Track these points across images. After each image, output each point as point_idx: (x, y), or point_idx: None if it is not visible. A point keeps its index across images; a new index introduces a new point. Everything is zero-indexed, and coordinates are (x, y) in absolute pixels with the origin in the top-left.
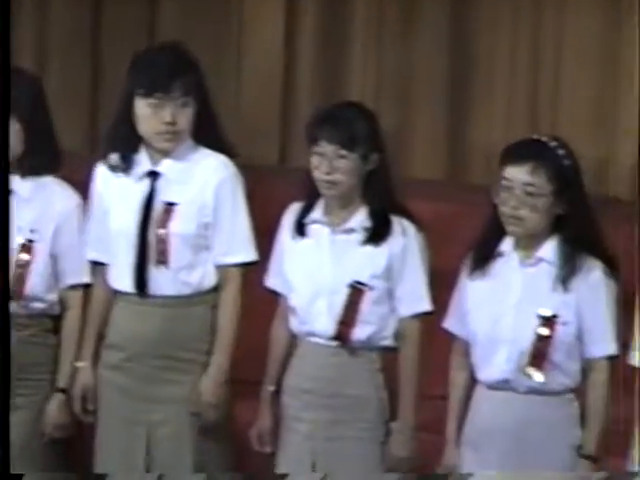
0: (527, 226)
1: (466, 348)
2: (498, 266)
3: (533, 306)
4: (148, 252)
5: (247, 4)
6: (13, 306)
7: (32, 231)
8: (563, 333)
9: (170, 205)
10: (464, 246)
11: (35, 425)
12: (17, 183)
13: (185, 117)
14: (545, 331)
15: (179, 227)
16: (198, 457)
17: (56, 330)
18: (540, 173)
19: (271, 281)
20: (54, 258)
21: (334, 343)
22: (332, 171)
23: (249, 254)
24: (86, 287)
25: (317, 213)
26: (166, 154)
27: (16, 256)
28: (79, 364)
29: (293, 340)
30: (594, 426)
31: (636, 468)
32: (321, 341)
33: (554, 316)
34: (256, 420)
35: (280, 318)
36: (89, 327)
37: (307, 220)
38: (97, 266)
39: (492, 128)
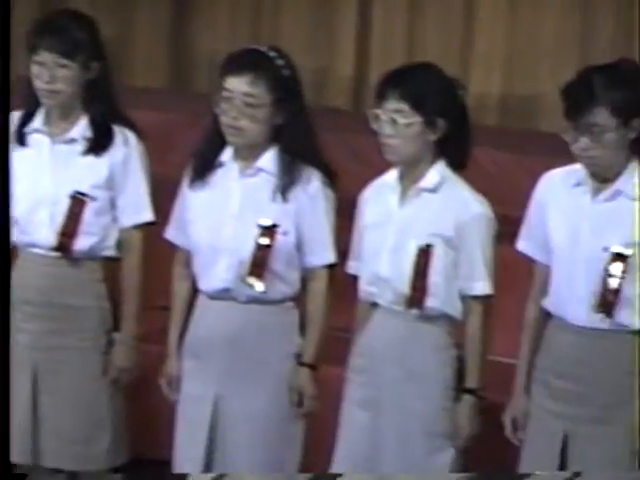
0: (247, 136)
1: (188, 258)
2: (218, 176)
3: (253, 216)
4: None
5: None
6: None
7: None
8: (283, 242)
9: None
10: (186, 156)
11: None
12: None
13: None
14: (265, 240)
15: None
16: None
17: None
18: (259, 84)
19: None
20: None
21: (55, 254)
22: (52, 80)
23: None
24: None
25: (37, 123)
26: None
27: None
28: None
29: (14, 251)
30: (313, 334)
31: None
32: (42, 252)
33: (274, 226)
34: None
35: None
36: None
37: (27, 130)
38: None
39: (215, 37)
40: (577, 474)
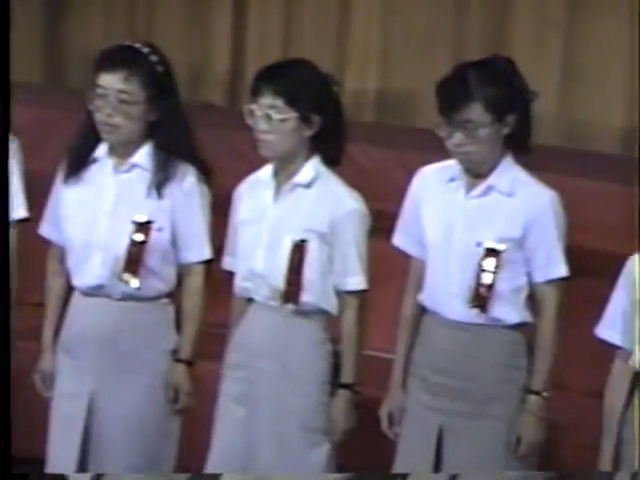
0: (122, 133)
1: (62, 254)
2: (92, 172)
3: (128, 212)
4: None
5: None
6: None
7: None
8: (158, 239)
9: None
10: (60, 152)
11: None
12: None
13: None
14: (140, 237)
15: None
16: None
17: None
18: (133, 80)
19: None
20: None
21: None
22: None
23: None
24: None
25: None
26: None
27: None
28: None
29: None
30: (189, 330)
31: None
32: None
33: (148, 222)
34: None
35: None
36: None
37: None
38: None
39: (90, 34)
40: (454, 477)
